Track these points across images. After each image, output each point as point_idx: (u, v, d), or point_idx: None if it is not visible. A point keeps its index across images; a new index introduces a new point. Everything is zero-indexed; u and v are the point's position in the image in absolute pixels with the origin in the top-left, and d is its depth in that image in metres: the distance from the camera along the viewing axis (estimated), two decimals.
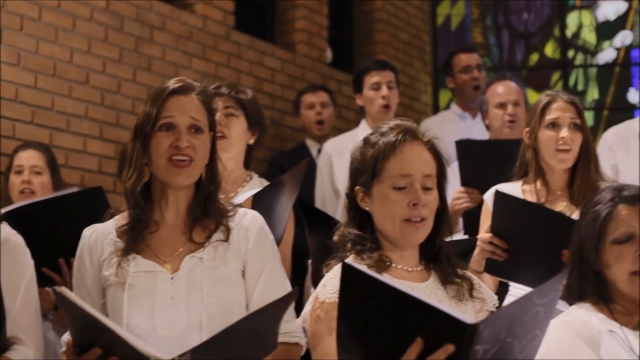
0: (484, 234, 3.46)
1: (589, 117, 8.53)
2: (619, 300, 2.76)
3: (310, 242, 3.68)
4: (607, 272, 2.74)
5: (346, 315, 2.22)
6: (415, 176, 2.64)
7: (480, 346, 2.04)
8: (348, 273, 2.20)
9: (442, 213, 2.74)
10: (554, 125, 3.70)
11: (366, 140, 2.75)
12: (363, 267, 2.31)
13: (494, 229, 3.41)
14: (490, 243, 3.40)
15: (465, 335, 2.02)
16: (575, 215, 3.26)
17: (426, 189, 2.66)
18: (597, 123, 8.46)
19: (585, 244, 2.77)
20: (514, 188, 3.75)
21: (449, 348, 2.06)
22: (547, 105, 3.74)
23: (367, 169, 2.70)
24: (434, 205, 2.69)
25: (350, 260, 2.65)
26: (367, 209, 2.72)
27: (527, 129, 3.80)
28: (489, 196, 3.67)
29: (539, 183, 3.73)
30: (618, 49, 8.73)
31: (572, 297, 2.82)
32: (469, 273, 2.82)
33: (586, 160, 3.71)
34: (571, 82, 8.66)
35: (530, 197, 3.70)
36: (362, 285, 2.18)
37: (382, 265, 2.65)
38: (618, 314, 2.74)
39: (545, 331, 2.33)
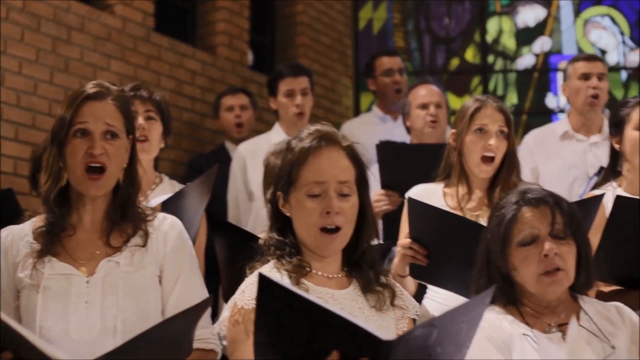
0: (403, 239, 3.44)
1: None
2: (528, 303, 2.78)
3: (218, 252, 3.66)
4: (515, 275, 2.75)
5: (263, 325, 2.19)
6: (329, 183, 2.61)
7: None
8: (264, 284, 2.16)
9: (365, 219, 2.71)
10: (482, 131, 3.71)
11: (287, 145, 2.72)
12: (279, 278, 2.28)
13: (412, 235, 3.39)
14: (411, 248, 3.38)
15: (381, 351, 1.99)
16: None
17: (343, 195, 2.62)
18: (516, 127, 8.52)
19: (492, 247, 2.78)
20: (435, 189, 3.76)
21: None
22: (477, 110, 3.74)
23: (285, 176, 2.67)
24: (352, 213, 2.65)
25: (271, 265, 2.63)
26: (288, 214, 2.68)
27: (453, 130, 3.80)
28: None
29: (460, 186, 3.73)
30: (537, 55, 8.85)
31: None
32: (391, 281, 2.79)
33: (509, 167, 3.72)
34: (491, 86, 8.75)
35: (451, 200, 3.71)
36: (278, 297, 2.14)
37: (301, 271, 2.62)
38: (528, 317, 2.76)
39: (469, 347, 2.30)
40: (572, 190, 4.75)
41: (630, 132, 3.75)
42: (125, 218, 2.74)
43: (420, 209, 3.38)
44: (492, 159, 3.67)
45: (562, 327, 2.74)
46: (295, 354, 2.15)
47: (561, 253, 2.71)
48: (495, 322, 2.72)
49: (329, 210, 2.59)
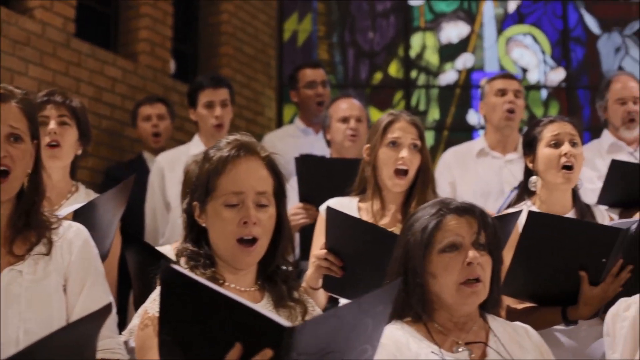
0: (318, 250, 3.40)
1: (430, 137, 8.68)
2: (438, 318, 2.74)
3: (129, 262, 3.62)
4: (433, 283, 2.71)
5: (167, 321, 2.15)
6: (247, 193, 2.57)
7: (299, 353, 1.99)
8: (168, 275, 2.13)
9: (282, 230, 2.68)
10: (395, 144, 3.71)
11: (205, 155, 2.68)
12: (183, 270, 2.24)
13: (328, 245, 3.36)
14: (326, 259, 3.35)
15: (284, 338, 1.96)
16: None
17: (260, 206, 2.59)
18: (437, 143, 8.61)
19: (412, 254, 2.73)
20: (349, 203, 3.75)
21: (267, 353, 2.00)
22: (390, 124, 3.75)
23: (202, 185, 2.63)
24: (269, 224, 2.62)
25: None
26: (204, 225, 2.64)
27: (367, 145, 3.80)
28: (323, 210, 3.61)
29: (375, 201, 3.72)
30: (459, 71, 8.93)
31: (393, 313, 2.71)
32: (304, 296, 2.76)
33: (424, 181, 3.73)
34: (413, 101, 8.80)
35: (366, 215, 3.70)
36: (182, 288, 2.11)
37: (214, 283, 2.57)
38: (436, 334, 2.72)
39: (376, 347, 2.28)
40: (487, 206, 4.76)
41: (542, 150, 3.80)
42: (28, 226, 2.65)
43: (338, 219, 3.36)
44: (405, 172, 3.67)
45: (469, 345, 2.72)
46: (198, 348, 2.11)
47: (482, 264, 2.69)
48: (402, 339, 2.68)
49: (246, 220, 2.55)
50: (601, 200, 4.59)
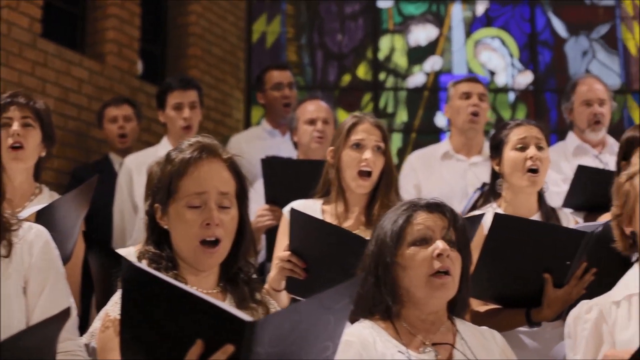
0: (282, 252, 3.40)
1: (398, 139, 8.70)
2: (407, 316, 2.74)
3: (92, 265, 3.60)
4: (403, 276, 2.71)
5: (129, 320, 2.14)
6: (210, 194, 2.57)
7: (261, 348, 1.99)
8: (130, 273, 2.12)
9: (244, 232, 2.68)
10: (358, 146, 3.71)
11: (167, 157, 2.68)
12: (145, 266, 2.23)
13: (292, 247, 3.35)
14: (289, 261, 3.35)
15: (245, 333, 1.96)
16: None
17: (223, 208, 2.59)
18: (405, 145, 8.63)
19: (383, 248, 2.74)
20: (313, 205, 3.74)
21: (229, 349, 1.99)
22: (353, 126, 3.75)
23: (164, 187, 2.62)
24: (231, 225, 2.62)
25: None
26: (166, 227, 2.63)
27: (331, 147, 3.80)
28: (287, 212, 3.60)
29: (339, 203, 3.73)
30: (427, 74, 8.96)
31: (362, 309, 2.76)
32: (267, 298, 2.76)
33: (387, 184, 3.73)
34: (381, 104, 8.81)
35: (330, 217, 3.70)
36: (143, 285, 2.11)
37: None
38: (404, 334, 2.73)
39: (337, 345, 2.28)
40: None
41: (508, 153, 3.82)
42: None
43: (302, 221, 3.35)
44: (368, 173, 3.67)
45: (436, 346, 2.73)
46: (160, 347, 2.10)
47: (452, 258, 2.70)
48: (369, 338, 2.68)
49: (209, 222, 2.55)
50: (567, 203, 4.62)
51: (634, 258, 3.27)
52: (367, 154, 3.68)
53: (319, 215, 3.66)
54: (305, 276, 3.34)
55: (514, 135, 3.84)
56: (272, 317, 2.05)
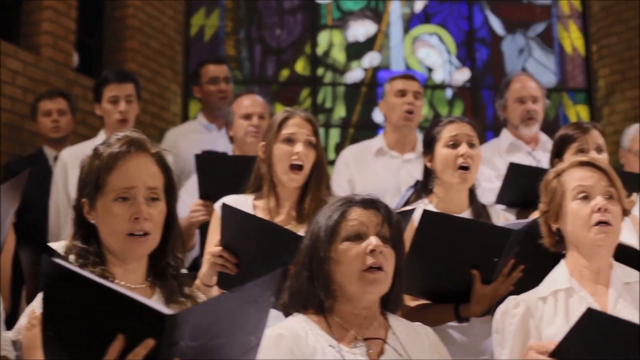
0: (213, 247, 3.39)
1: (335, 134, 8.72)
2: (340, 310, 2.76)
3: (22, 259, 3.57)
4: (336, 271, 2.72)
5: (50, 316, 2.13)
6: (138, 189, 2.57)
7: (183, 342, 1.99)
8: (49, 269, 2.11)
9: (172, 227, 2.68)
10: (290, 140, 3.71)
11: (94, 151, 2.67)
12: (63, 262, 2.21)
13: (223, 242, 3.35)
14: (221, 257, 3.34)
15: (165, 327, 1.96)
16: (302, 232, 3.25)
17: (151, 201, 2.59)
18: (343, 140, 8.66)
19: (317, 243, 2.75)
20: (245, 201, 3.73)
21: (149, 343, 2.00)
22: (284, 120, 3.75)
23: (92, 182, 2.61)
24: (159, 219, 2.62)
25: None
26: (93, 222, 2.62)
27: (262, 143, 3.80)
28: (218, 207, 3.59)
29: (270, 198, 3.73)
30: (366, 70, 8.98)
31: (296, 304, 2.79)
32: (195, 292, 2.77)
33: (318, 178, 3.74)
34: (319, 99, 8.83)
35: (261, 212, 3.69)
36: (63, 281, 2.09)
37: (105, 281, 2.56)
38: (337, 328, 2.74)
39: (260, 339, 2.30)
40: None
41: (440, 150, 3.84)
42: None
43: (233, 216, 3.35)
44: (300, 167, 3.68)
45: (368, 341, 2.74)
46: (81, 343, 2.09)
47: (385, 253, 2.71)
48: (301, 332, 2.69)
49: (137, 216, 2.55)
50: (499, 200, 4.67)
51: None
52: (299, 148, 3.68)
53: (250, 211, 3.66)
54: (237, 271, 3.34)
55: (446, 133, 3.86)
56: (192, 310, 2.05)
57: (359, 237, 2.73)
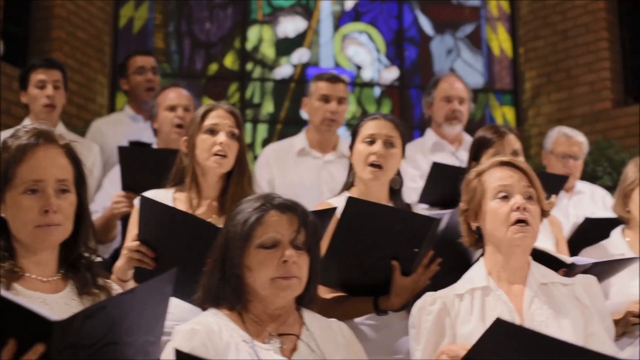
0: (131, 242, 3.36)
1: (263, 130, 8.71)
2: (253, 309, 2.77)
3: None
4: (248, 276, 2.73)
5: None
6: (47, 181, 2.56)
7: (76, 345, 1.97)
8: None
9: (83, 218, 2.67)
10: (212, 131, 3.73)
11: (3, 144, 2.63)
12: None
13: (141, 237, 3.33)
14: (138, 251, 3.32)
15: (52, 333, 1.94)
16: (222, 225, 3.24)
17: (61, 193, 2.58)
18: (271, 136, 8.64)
19: (231, 245, 2.75)
20: (165, 195, 3.72)
21: (39, 348, 1.99)
22: (207, 112, 3.78)
23: (0, 175, 2.58)
24: (70, 211, 2.61)
25: None
26: (3, 215, 2.59)
27: (184, 138, 3.80)
28: (138, 202, 3.55)
29: (192, 190, 3.72)
30: (295, 66, 8.98)
31: (209, 300, 2.79)
32: (110, 283, 2.76)
33: (240, 170, 3.75)
34: (248, 94, 8.80)
35: (182, 205, 3.68)
36: None
37: (14, 275, 2.55)
38: (251, 324, 2.75)
39: (160, 336, 2.32)
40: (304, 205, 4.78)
41: (357, 146, 3.86)
42: None
43: (152, 209, 3.33)
44: (223, 157, 3.68)
45: (282, 337, 2.76)
46: None
47: (298, 262, 2.72)
48: (215, 327, 2.69)
49: (47, 208, 2.53)
50: (422, 199, 4.70)
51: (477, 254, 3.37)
52: (222, 137, 3.70)
53: (170, 204, 3.64)
54: (155, 266, 3.32)
55: (365, 129, 3.86)
56: (80, 315, 2.03)
57: (274, 245, 2.73)
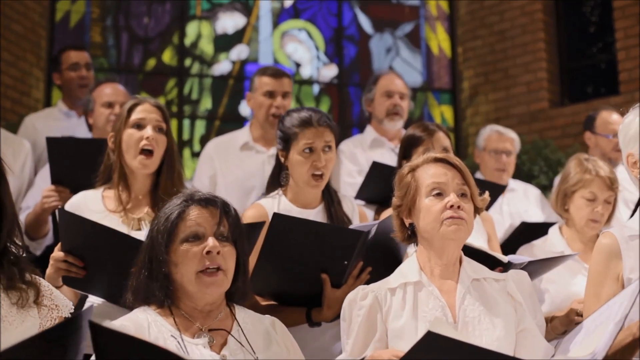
0: (57, 252, 3.31)
1: (201, 126, 8.66)
2: (183, 305, 2.77)
3: None
4: (175, 272, 2.74)
5: None
6: None
7: None
8: None
9: (4, 213, 2.63)
10: (139, 126, 3.69)
11: None
12: None
13: (65, 248, 3.29)
14: (65, 261, 3.28)
15: None
16: None
17: None
18: (209, 133, 8.61)
19: (155, 243, 2.76)
20: (94, 195, 3.67)
21: None
22: (134, 106, 3.74)
23: None
24: None
25: None
26: None
27: (111, 133, 3.75)
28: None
29: (121, 188, 3.67)
30: (233, 62, 8.95)
31: (139, 300, 2.80)
32: (38, 279, 2.72)
33: (170, 166, 3.70)
34: (186, 90, 8.75)
35: (112, 203, 3.64)
36: None
37: None
38: (180, 319, 2.75)
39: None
40: (249, 199, 4.77)
41: (295, 156, 3.76)
42: None
43: (71, 221, 3.31)
44: (150, 152, 3.64)
45: (212, 332, 2.76)
46: None
47: (223, 253, 2.74)
48: (144, 323, 2.70)
49: None
50: (359, 195, 4.71)
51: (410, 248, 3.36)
52: (148, 132, 3.65)
53: (99, 203, 3.61)
54: (85, 273, 3.29)
55: (303, 138, 3.73)
56: None
57: (197, 237, 2.75)
